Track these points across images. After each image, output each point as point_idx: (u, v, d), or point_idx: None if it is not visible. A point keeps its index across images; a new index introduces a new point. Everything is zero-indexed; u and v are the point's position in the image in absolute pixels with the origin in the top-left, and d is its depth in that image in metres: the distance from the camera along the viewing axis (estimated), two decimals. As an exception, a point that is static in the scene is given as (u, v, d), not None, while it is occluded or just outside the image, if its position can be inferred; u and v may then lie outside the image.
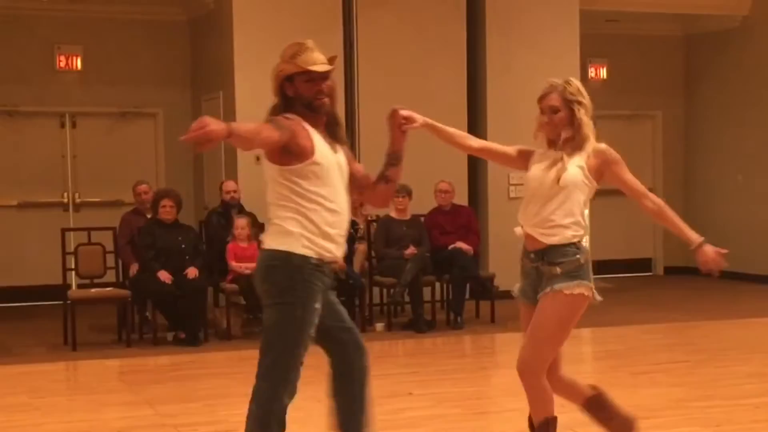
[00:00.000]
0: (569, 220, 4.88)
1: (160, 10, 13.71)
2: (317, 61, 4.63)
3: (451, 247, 11.16)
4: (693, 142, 16.12)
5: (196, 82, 13.74)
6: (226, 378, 8.62)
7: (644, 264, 16.29)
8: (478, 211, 12.69)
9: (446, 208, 11.48)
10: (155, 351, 9.91)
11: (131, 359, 9.55)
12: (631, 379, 8.02)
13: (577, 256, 4.89)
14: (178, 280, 10.03)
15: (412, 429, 6.49)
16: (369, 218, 11.34)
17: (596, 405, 5.23)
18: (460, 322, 11.04)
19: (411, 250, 10.93)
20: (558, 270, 4.86)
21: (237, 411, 7.26)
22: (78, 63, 13.49)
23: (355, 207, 8.34)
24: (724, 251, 4.82)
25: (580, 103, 4.95)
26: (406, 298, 11.06)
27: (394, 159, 4.83)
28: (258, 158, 11.89)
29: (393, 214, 11.09)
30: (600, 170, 4.93)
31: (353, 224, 10.04)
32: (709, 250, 4.81)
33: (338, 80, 4.82)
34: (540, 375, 4.93)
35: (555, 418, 5.04)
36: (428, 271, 11.06)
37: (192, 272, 10.10)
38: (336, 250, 4.65)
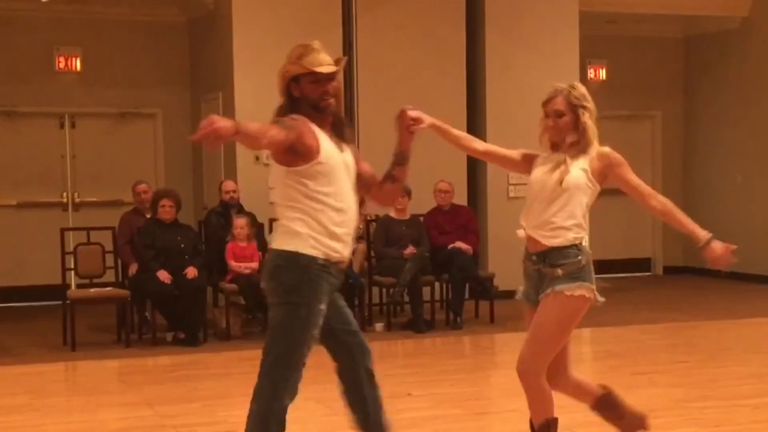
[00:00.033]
0: (571, 222, 4.90)
1: (159, 11, 13.71)
2: (323, 63, 4.65)
3: (450, 247, 11.16)
4: (692, 142, 16.13)
5: (196, 82, 13.75)
6: (225, 378, 8.63)
7: (643, 264, 16.29)
8: (477, 211, 12.69)
9: (445, 207, 11.49)
10: (154, 351, 9.91)
11: (130, 359, 9.55)
12: (630, 379, 8.02)
13: (579, 257, 4.90)
14: (178, 280, 10.03)
15: (411, 430, 6.48)
16: (368, 218, 11.34)
17: (606, 404, 5.25)
18: (460, 322, 11.04)
19: (410, 249, 10.93)
20: (559, 272, 4.88)
21: (236, 411, 7.27)
22: (77, 64, 13.49)
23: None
24: (733, 247, 4.84)
25: (584, 107, 4.97)
26: (406, 298, 11.06)
27: (401, 158, 4.85)
28: (257, 158, 12.02)
29: (392, 214, 11.09)
30: (603, 173, 4.96)
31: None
32: (718, 246, 4.85)
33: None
34: (539, 376, 4.93)
35: (555, 419, 5.05)
36: (427, 271, 11.06)
37: (191, 272, 10.10)
38: (343, 250, 4.67)
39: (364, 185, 4.87)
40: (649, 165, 15.68)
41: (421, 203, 11.43)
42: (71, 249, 10.60)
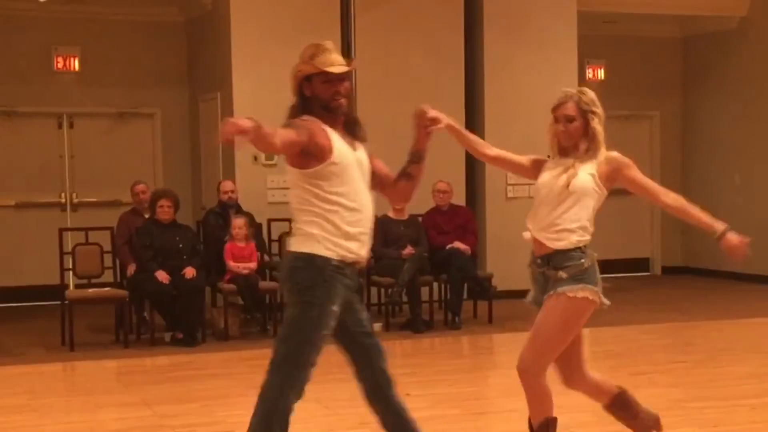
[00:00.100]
0: (576, 225, 4.93)
1: (157, 11, 13.70)
2: (335, 63, 4.66)
3: (448, 247, 11.16)
4: (690, 142, 16.13)
5: (194, 82, 13.74)
6: (223, 378, 8.62)
7: (642, 264, 16.30)
8: (475, 211, 12.69)
9: (444, 208, 11.49)
10: (153, 351, 9.90)
11: (129, 360, 9.54)
12: (629, 379, 7.98)
13: (582, 260, 4.93)
14: (176, 280, 10.02)
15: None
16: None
17: (621, 404, 5.27)
18: (458, 322, 11.04)
19: (409, 250, 10.93)
20: (563, 274, 4.91)
21: (235, 411, 7.28)
22: (76, 64, 13.49)
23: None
24: (748, 239, 4.86)
25: (594, 112, 5.01)
26: (404, 298, 11.05)
27: (416, 157, 4.87)
28: (255, 158, 12.01)
29: (391, 214, 11.09)
30: (611, 177, 5.00)
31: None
32: (734, 237, 4.88)
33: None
34: (540, 375, 4.95)
35: (555, 419, 5.05)
36: (426, 271, 11.06)
37: (189, 272, 10.09)
38: (359, 249, 4.69)
39: (378, 183, 4.88)
40: (648, 165, 15.66)
41: (420, 203, 11.42)
42: (69, 249, 10.60)
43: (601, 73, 15.52)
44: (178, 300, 10.04)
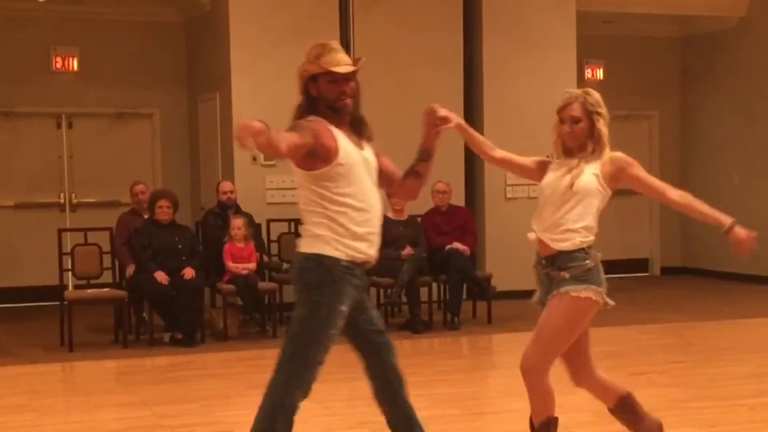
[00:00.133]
0: (580, 225, 4.95)
1: (156, 11, 13.70)
2: (341, 62, 4.67)
3: (448, 247, 11.16)
4: (689, 142, 16.14)
5: (193, 83, 13.74)
6: (223, 378, 8.63)
7: (641, 264, 16.30)
8: (474, 212, 12.70)
9: (443, 208, 11.49)
10: (152, 352, 9.90)
11: (128, 360, 9.54)
12: (628, 379, 7.98)
13: (586, 261, 4.95)
14: (175, 280, 10.02)
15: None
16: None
17: (625, 407, 5.28)
18: (457, 322, 11.04)
19: (408, 250, 10.92)
20: (566, 275, 4.92)
21: (234, 411, 7.29)
22: (74, 64, 13.49)
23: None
24: (755, 233, 4.87)
25: (599, 113, 5.03)
26: (403, 299, 11.06)
27: (425, 155, 4.88)
28: (254, 158, 12.01)
29: (390, 215, 11.07)
30: (615, 177, 5.01)
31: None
32: (741, 232, 4.89)
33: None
34: (543, 374, 4.96)
35: (556, 419, 5.06)
36: (425, 271, 11.05)
37: (189, 273, 10.09)
38: (368, 249, 4.72)
39: (385, 180, 4.90)
40: (647, 165, 15.32)
41: (419, 204, 11.41)
42: (68, 250, 10.59)
43: (600, 73, 15.53)
44: (177, 300, 10.04)
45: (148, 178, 12.88)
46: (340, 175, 4.61)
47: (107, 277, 10.63)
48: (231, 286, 10.39)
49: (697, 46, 16.02)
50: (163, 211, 10.29)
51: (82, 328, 10.57)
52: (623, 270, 15.59)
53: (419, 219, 11.45)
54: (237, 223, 10.58)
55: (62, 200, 13.66)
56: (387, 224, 11.05)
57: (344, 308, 4.63)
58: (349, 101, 4.69)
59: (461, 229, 11.43)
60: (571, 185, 4.93)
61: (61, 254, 10.43)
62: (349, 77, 4.68)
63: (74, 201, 13.68)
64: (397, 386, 4.90)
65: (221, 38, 12.31)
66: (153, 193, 10.78)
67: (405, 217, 11.22)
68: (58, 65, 13.45)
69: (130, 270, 10.48)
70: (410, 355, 9.98)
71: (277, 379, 4.64)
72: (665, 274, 16.11)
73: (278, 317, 10.80)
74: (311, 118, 4.64)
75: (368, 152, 4.77)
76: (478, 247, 12.03)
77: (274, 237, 11.64)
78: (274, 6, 12.19)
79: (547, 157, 5.24)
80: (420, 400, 7.31)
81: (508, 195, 13.09)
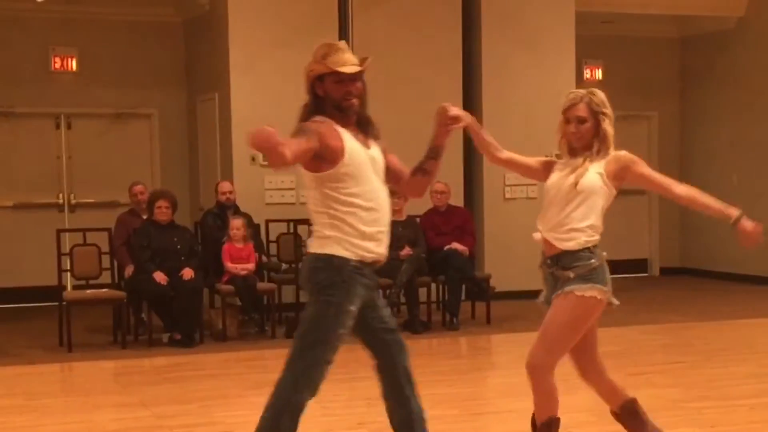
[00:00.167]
0: (585, 224, 4.96)
1: (155, 12, 13.70)
2: (347, 63, 4.67)
3: (446, 248, 11.16)
4: (688, 143, 16.14)
5: (191, 83, 13.74)
6: (221, 379, 8.62)
7: (640, 264, 16.29)
8: (473, 212, 12.69)
9: (442, 209, 11.48)
10: (151, 352, 9.89)
11: (127, 360, 9.54)
12: (627, 379, 7.96)
13: (591, 260, 4.97)
14: (174, 281, 10.01)
15: (408, 430, 6.47)
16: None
17: (629, 412, 5.29)
18: (456, 323, 11.03)
19: (406, 251, 10.91)
20: (571, 274, 4.95)
21: (233, 412, 7.28)
22: (73, 64, 13.49)
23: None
24: (761, 226, 4.87)
25: (604, 113, 5.05)
26: (402, 299, 11.04)
27: (434, 153, 4.90)
28: (253, 158, 12.00)
29: (389, 215, 11.07)
30: (619, 175, 5.02)
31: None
32: (748, 224, 4.87)
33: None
34: (548, 373, 4.97)
35: (558, 419, 5.07)
36: (424, 272, 11.05)
37: (187, 273, 10.09)
38: (377, 248, 4.73)
39: (393, 177, 4.91)
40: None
41: (418, 204, 11.40)
42: (67, 250, 10.58)
43: (598, 74, 15.53)
44: (175, 301, 10.04)
45: (147, 179, 12.87)
46: (347, 176, 4.62)
47: (106, 277, 10.62)
48: (230, 287, 10.39)
49: (696, 47, 16.02)
50: (162, 212, 10.28)
51: (80, 329, 10.56)
52: (622, 270, 15.54)
53: (418, 219, 11.44)
54: (236, 223, 10.57)
55: (61, 200, 13.65)
56: (386, 224, 11.14)
57: (353, 308, 4.65)
58: (355, 101, 4.70)
59: (460, 230, 11.43)
60: (576, 184, 4.94)
61: (59, 255, 10.43)
62: (355, 77, 4.69)
63: (73, 201, 13.67)
64: (405, 386, 4.90)
65: (220, 38, 12.30)
66: (152, 194, 10.78)
67: (404, 217, 11.20)
68: (57, 65, 13.45)
69: (129, 270, 10.48)
70: (409, 356, 9.98)
71: (285, 378, 4.65)
72: (664, 274, 16.11)
73: (277, 318, 10.79)
74: (317, 118, 4.64)
75: (375, 151, 4.78)
76: (476, 248, 12.03)
77: (272, 237, 11.64)
78: (273, 6, 12.18)
79: (546, 156, 5.25)
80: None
81: (507, 195, 13.09)
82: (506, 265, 12.61)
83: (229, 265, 10.42)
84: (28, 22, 13.24)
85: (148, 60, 13.76)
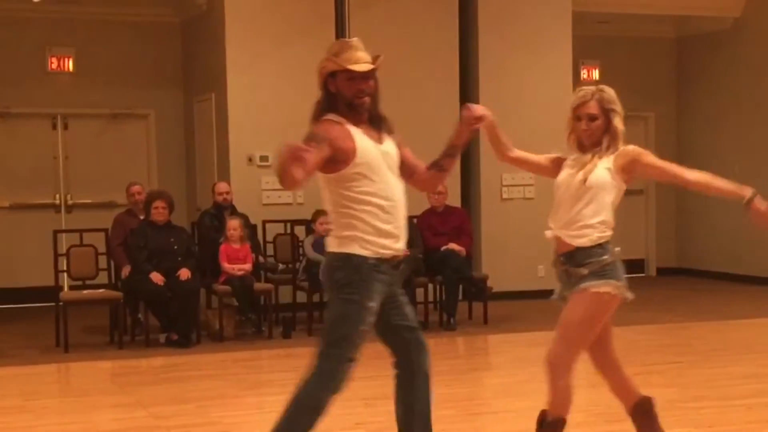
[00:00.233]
0: (596, 220, 4.97)
1: (152, 12, 13.69)
2: (360, 61, 4.70)
3: (443, 248, 11.16)
4: (685, 143, 16.14)
5: (188, 83, 13.73)
6: (218, 379, 8.60)
7: (637, 265, 16.28)
8: (470, 213, 12.69)
9: (439, 209, 11.48)
10: (148, 353, 9.88)
11: (124, 361, 9.53)
12: (624, 379, 8.01)
13: (604, 256, 4.98)
14: (171, 281, 10.01)
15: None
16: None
17: (643, 411, 5.30)
18: (453, 323, 11.03)
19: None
20: (585, 271, 4.96)
21: (230, 412, 7.28)
22: (70, 64, 13.47)
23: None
24: None
25: (614, 110, 5.09)
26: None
27: (453, 150, 4.95)
28: (250, 159, 11.99)
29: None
30: (628, 168, 5.03)
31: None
32: (761, 204, 4.86)
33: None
34: (567, 371, 4.98)
35: (565, 422, 5.06)
36: (421, 272, 11.05)
37: (184, 274, 10.08)
38: (394, 244, 4.75)
39: (405, 171, 4.91)
40: (643, 166, 15.66)
41: (415, 204, 11.37)
42: (64, 251, 10.56)
43: (595, 74, 15.52)
44: (172, 301, 10.03)
45: (144, 179, 12.85)
46: (361, 175, 4.64)
47: (103, 278, 10.62)
48: (227, 287, 10.38)
49: (692, 47, 16.02)
50: (159, 212, 10.27)
51: (77, 329, 10.56)
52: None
53: (415, 220, 11.42)
54: (233, 224, 10.57)
55: (58, 201, 13.64)
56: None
57: (373, 304, 4.68)
58: (366, 99, 4.72)
59: (457, 230, 11.43)
60: (585, 181, 4.95)
61: (56, 255, 10.41)
62: (367, 75, 4.71)
63: (70, 202, 13.66)
64: (420, 385, 4.93)
65: (217, 39, 12.30)
66: (149, 194, 10.77)
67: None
68: (54, 66, 13.43)
69: (126, 271, 10.47)
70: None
71: (309, 376, 4.68)
72: (661, 274, 16.11)
73: (274, 318, 10.79)
74: (330, 116, 4.67)
75: (388, 145, 4.79)
76: (473, 248, 12.03)
77: (269, 238, 11.63)
78: (270, 6, 12.18)
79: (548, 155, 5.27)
80: (416, 401, 7.32)
81: (504, 196, 13.09)
82: (503, 266, 12.62)
83: (226, 266, 10.42)
84: (25, 22, 13.22)
85: (144, 60, 13.75)
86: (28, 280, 12.94)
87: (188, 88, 13.70)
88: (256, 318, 10.77)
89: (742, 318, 11.68)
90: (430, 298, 11.50)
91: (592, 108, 5.04)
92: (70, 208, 13.66)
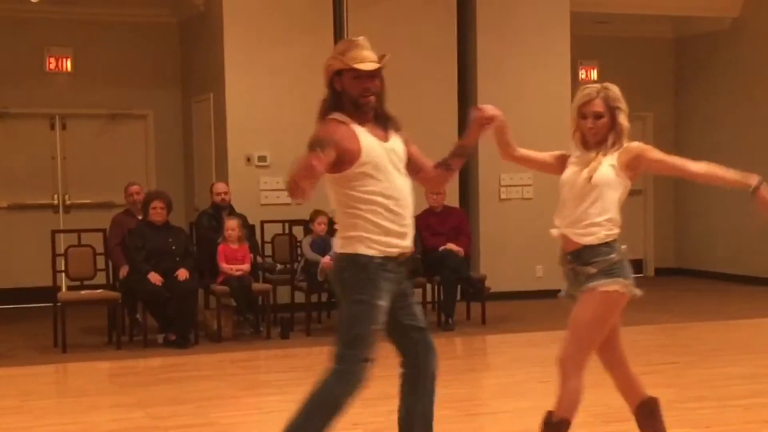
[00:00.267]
0: (603, 218, 4.98)
1: (150, 12, 13.69)
2: (365, 59, 4.71)
3: (442, 248, 11.16)
4: (683, 143, 16.12)
5: (187, 83, 13.73)
6: (216, 380, 8.60)
7: (635, 265, 16.16)
8: (469, 213, 12.69)
9: (437, 209, 11.48)
10: (145, 353, 9.88)
11: (121, 361, 9.53)
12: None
13: (611, 255, 4.99)
14: (169, 282, 10.00)
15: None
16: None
17: (648, 412, 5.30)
18: (451, 323, 11.03)
19: (402, 251, 10.90)
20: (593, 269, 4.96)
21: (228, 413, 7.27)
22: (68, 65, 13.47)
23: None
24: None
25: (619, 108, 5.12)
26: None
27: (462, 150, 4.97)
28: (248, 159, 11.99)
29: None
30: (632, 165, 5.03)
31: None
32: (767, 193, 4.85)
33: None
34: (579, 371, 4.96)
35: (569, 424, 5.05)
36: (419, 272, 11.04)
37: (182, 274, 10.08)
38: (401, 242, 4.77)
39: (413, 169, 4.92)
40: (642, 166, 15.66)
41: (413, 204, 11.40)
42: (62, 251, 10.55)
43: (594, 74, 15.52)
44: (170, 302, 10.02)
45: (142, 179, 12.85)
46: (365, 175, 4.65)
47: (101, 278, 10.62)
48: (225, 288, 10.38)
49: (691, 47, 16.03)
50: (157, 213, 10.27)
51: (75, 330, 10.54)
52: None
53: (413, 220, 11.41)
54: (231, 224, 10.56)
55: (56, 201, 13.63)
56: (381, 225, 11.14)
57: (383, 303, 4.68)
58: (372, 98, 4.73)
59: (455, 230, 11.43)
60: (590, 179, 4.95)
61: (54, 255, 10.40)
62: (373, 74, 4.72)
63: (68, 202, 13.66)
64: (424, 385, 4.92)
65: (215, 39, 12.29)
66: (147, 194, 10.77)
67: (399, 218, 11.19)
68: (52, 66, 13.42)
69: (124, 271, 10.46)
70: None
71: (325, 377, 4.69)
72: (659, 274, 16.11)
73: (272, 318, 10.78)
74: (335, 115, 4.67)
75: (394, 142, 4.79)
76: (472, 248, 12.03)
77: (268, 238, 11.63)
78: (268, 6, 12.17)
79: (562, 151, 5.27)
80: (414, 401, 7.32)
81: (503, 196, 13.09)
82: (501, 266, 12.62)
83: (224, 266, 10.42)
84: (23, 22, 13.22)
85: (143, 61, 13.74)
86: (26, 281, 12.94)
87: (186, 89, 13.70)
88: (254, 318, 10.76)
89: (740, 318, 11.68)
90: (428, 298, 11.50)
91: (598, 106, 5.05)
92: (68, 209, 13.65)
